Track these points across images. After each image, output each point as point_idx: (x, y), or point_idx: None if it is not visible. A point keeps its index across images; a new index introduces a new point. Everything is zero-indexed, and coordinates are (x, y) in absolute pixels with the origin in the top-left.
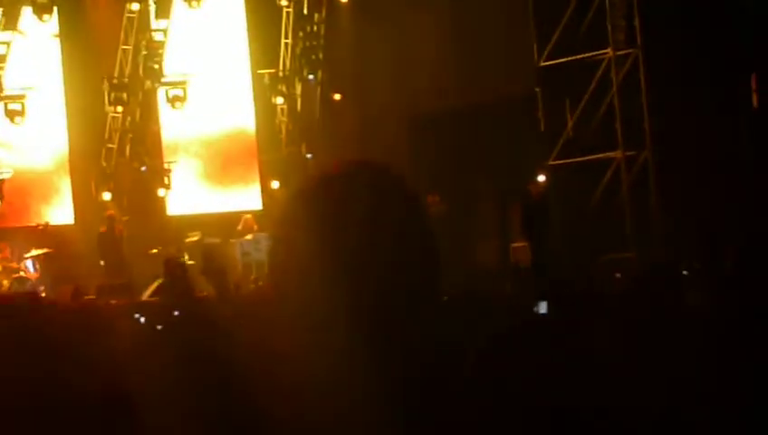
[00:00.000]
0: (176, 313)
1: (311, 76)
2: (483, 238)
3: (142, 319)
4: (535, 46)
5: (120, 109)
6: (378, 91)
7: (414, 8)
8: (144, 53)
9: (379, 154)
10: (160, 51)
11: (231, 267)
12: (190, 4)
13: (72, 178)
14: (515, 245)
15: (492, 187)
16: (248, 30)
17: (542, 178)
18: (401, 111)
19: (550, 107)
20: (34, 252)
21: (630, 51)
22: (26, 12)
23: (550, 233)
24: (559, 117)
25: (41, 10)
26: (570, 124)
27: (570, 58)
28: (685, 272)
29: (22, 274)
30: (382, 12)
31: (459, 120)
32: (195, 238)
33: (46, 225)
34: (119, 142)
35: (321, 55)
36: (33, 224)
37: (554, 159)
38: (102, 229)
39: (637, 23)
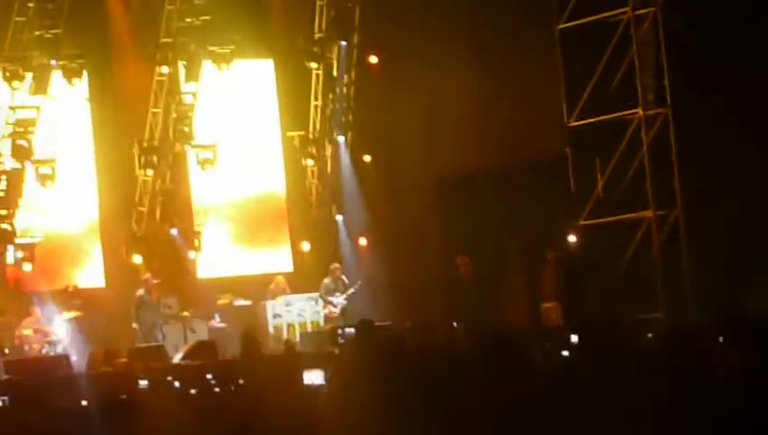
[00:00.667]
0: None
1: (340, 138)
2: (512, 298)
3: (176, 383)
4: (564, 106)
5: (150, 172)
6: (407, 152)
7: (443, 69)
8: (174, 115)
9: (408, 214)
10: (190, 114)
11: (263, 329)
12: (219, 67)
13: (102, 241)
14: (546, 305)
15: (522, 247)
16: (278, 92)
17: (572, 238)
18: (431, 171)
19: (580, 167)
20: (66, 315)
21: (660, 111)
22: (56, 76)
23: (581, 293)
24: (589, 176)
25: (70, 74)
26: (600, 184)
27: (599, 118)
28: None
29: (53, 337)
30: (411, 72)
31: (489, 180)
32: (226, 301)
33: (74, 288)
34: (149, 205)
35: (350, 117)
36: (62, 287)
37: (585, 219)
38: (139, 292)
39: (666, 82)
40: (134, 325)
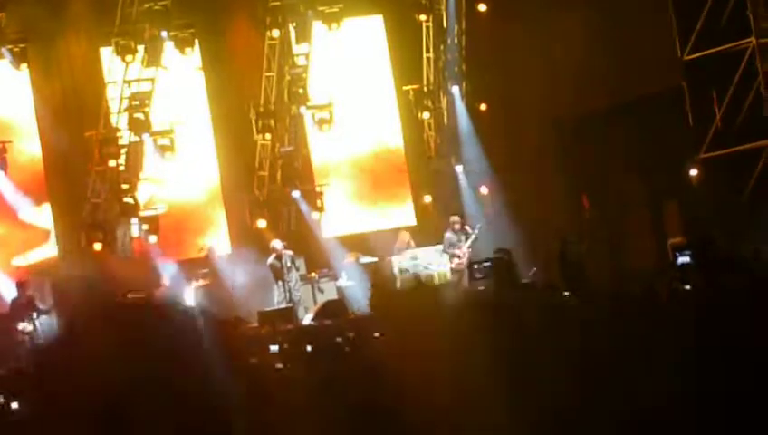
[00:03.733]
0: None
1: (455, 88)
2: (637, 238)
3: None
4: (677, 40)
5: (268, 136)
6: (523, 96)
7: (554, 8)
8: (288, 78)
9: (527, 158)
10: (304, 75)
11: (391, 283)
12: (329, 27)
13: (225, 208)
14: (673, 241)
15: (643, 185)
16: (389, 47)
17: (694, 172)
18: (547, 113)
19: (696, 100)
20: (194, 284)
21: None
22: (168, 47)
23: (706, 227)
24: (706, 109)
25: (182, 44)
26: (718, 116)
27: (713, 50)
28: None
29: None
30: (521, 17)
31: (606, 119)
32: (352, 259)
33: (208, 249)
34: (270, 169)
35: (463, 67)
36: (198, 252)
37: (705, 152)
38: (270, 259)
39: None
40: (275, 291)
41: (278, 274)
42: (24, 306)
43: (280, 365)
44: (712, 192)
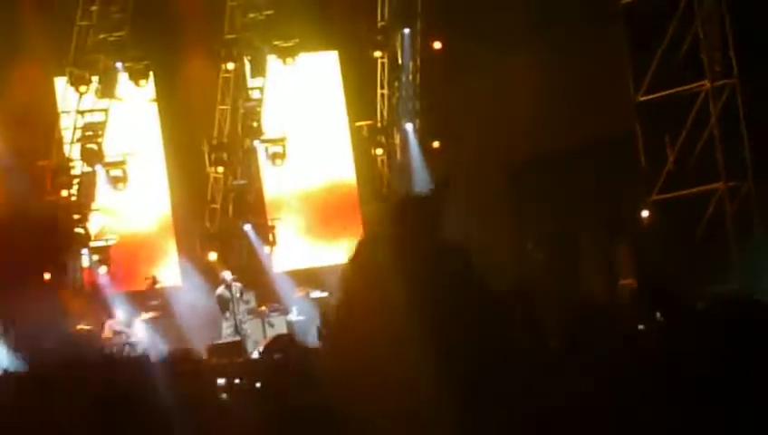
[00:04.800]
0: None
1: (408, 125)
2: (589, 281)
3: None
4: (631, 82)
5: (221, 169)
6: (476, 136)
7: (507, 51)
8: (242, 111)
9: (478, 199)
10: (258, 109)
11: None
12: (285, 62)
13: (176, 239)
14: (623, 282)
15: (596, 226)
16: (343, 83)
17: (645, 213)
18: (499, 154)
19: (649, 142)
20: (144, 316)
21: (727, 81)
22: (123, 78)
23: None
24: (659, 152)
25: (137, 75)
26: (671, 158)
27: (666, 92)
28: None
29: (132, 339)
30: (476, 56)
31: (558, 162)
32: (302, 293)
33: (154, 279)
34: (222, 202)
35: (417, 104)
36: (143, 280)
37: (657, 194)
38: (219, 290)
39: (732, 53)
40: (223, 323)
41: (226, 305)
42: None
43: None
44: (663, 234)
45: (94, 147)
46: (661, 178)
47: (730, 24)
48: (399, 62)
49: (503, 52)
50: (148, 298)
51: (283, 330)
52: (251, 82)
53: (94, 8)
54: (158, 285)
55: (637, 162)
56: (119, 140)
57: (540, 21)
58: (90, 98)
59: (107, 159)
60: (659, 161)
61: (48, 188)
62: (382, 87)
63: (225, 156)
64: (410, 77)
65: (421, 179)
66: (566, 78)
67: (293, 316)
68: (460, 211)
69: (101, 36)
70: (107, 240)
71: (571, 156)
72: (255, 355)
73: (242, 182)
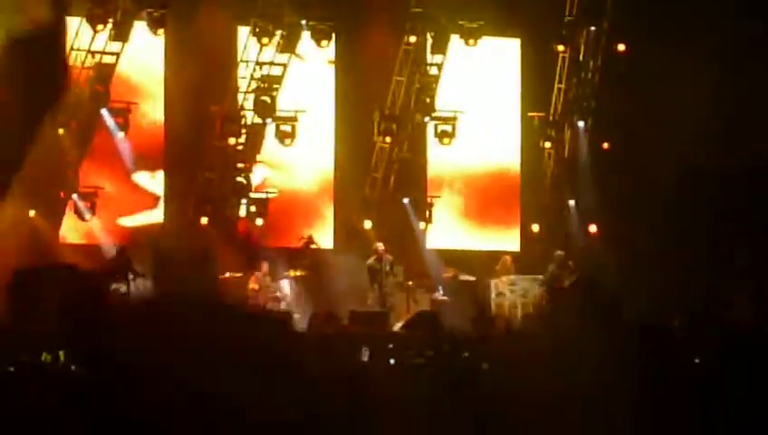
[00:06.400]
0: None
1: (580, 123)
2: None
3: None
4: None
5: (388, 139)
6: (647, 143)
7: (691, 61)
8: (417, 86)
9: (644, 207)
10: (433, 85)
11: (485, 307)
12: (467, 42)
13: (335, 203)
14: None
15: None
16: (522, 71)
17: None
18: (671, 164)
19: None
20: (292, 273)
21: None
22: (305, 36)
23: None
24: None
25: (319, 35)
26: None
27: None
28: None
29: (278, 294)
30: (658, 63)
31: (730, 179)
32: (450, 274)
33: (309, 238)
34: (384, 172)
35: (593, 103)
36: (298, 241)
37: None
38: (370, 261)
39: None
40: (369, 293)
41: (375, 276)
42: (120, 267)
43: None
44: None
45: (268, 99)
46: None
47: None
48: (581, 58)
49: (687, 60)
50: (299, 257)
51: (427, 307)
52: (430, 58)
53: None
54: (312, 246)
55: None
56: (292, 96)
57: (723, 34)
58: (270, 51)
59: (278, 114)
60: None
61: (217, 133)
62: (560, 81)
63: (393, 127)
64: (589, 75)
65: (586, 179)
66: (745, 96)
67: (439, 295)
68: (628, 215)
69: None
70: (267, 193)
71: (743, 174)
72: (396, 328)
73: (407, 155)
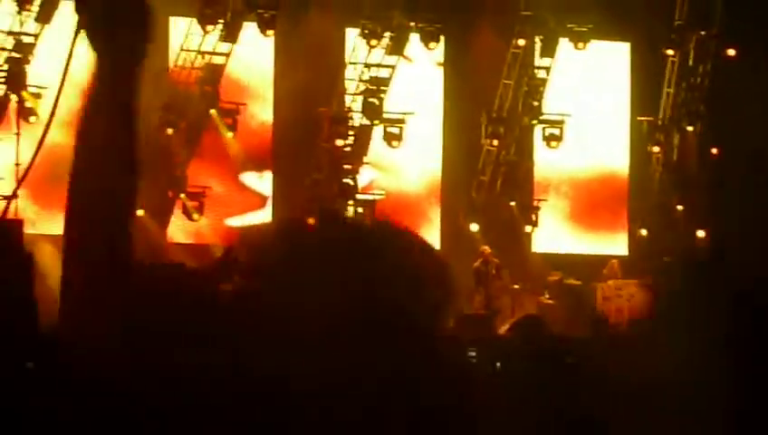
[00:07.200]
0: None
1: (689, 128)
2: None
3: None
4: None
5: (495, 142)
6: (758, 149)
7: None
8: (525, 89)
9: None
10: (541, 89)
11: (589, 311)
12: (576, 45)
13: (442, 206)
14: None
15: None
16: (631, 75)
17: None
18: None
19: None
20: None
21: None
22: (414, 38)
23: None
24: None
25: (428, 37)
26: None
27: None
28: None
29: None
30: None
31: None
32: (556, 278)
33: None
34: (491, 175)
35: (702, 108)
36: None
37: None
38: (476, 264)
39: None
40: (475, 296)
41: (480, 279)
42: (228, 267)
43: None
44: None
45: (376, 101)
46: None
47: None
48: (690, 63)
49: None
50: None
51: (533, 311)
52: (538, 62)
53: None
54: None
55: None
56: (400, 98)
57: None
58: (378, 53)
59: (386, 116)
60: None
61: (324, 134)
62: (669, 86)
63: (501, 130)
64: (699, 80)
65: (695, 184)
66: None
67: (544, 299)
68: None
69: None
70: (374, 195)
71: None
72: (501, 331)
73: (514, 158)
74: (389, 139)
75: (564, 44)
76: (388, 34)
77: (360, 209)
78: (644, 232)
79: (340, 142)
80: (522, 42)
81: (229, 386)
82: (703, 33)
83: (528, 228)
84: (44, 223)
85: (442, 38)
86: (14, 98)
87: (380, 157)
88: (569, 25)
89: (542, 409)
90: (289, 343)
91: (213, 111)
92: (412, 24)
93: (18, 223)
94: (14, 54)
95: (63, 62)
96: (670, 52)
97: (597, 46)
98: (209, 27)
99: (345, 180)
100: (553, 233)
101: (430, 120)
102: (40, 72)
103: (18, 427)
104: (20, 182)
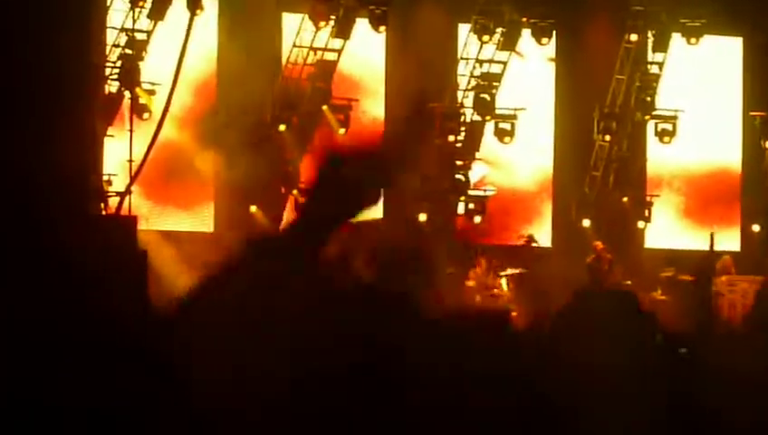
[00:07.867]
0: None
1: None
2: None
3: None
4: None
5: (607, 138)
6: None
7: None
8: (638, 84)
9: None
10: (654, 84)
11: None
12: (689, 41)
13: (553, 201)
14: None
15: None
16: (743, 70)
17: None
18: None
19: None
20: (510, 271)
21: None
22: (526, 34)
23: None
24: None
25: (540, 33)
26: None
27: None
28: None
29: (495, 291)
30: None
31: None
32: (669, 274)
33: (530, 237)
34: (603, 171)
35: None
36: (517, 239)
37: None
38: (589, 260)
39: None
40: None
41: (596, 275)
42: (344, 261)
43: None
44: None
45: (487, 97)
46: None
47: None
48: None
49: None
50: (516, 254)
51: (645, 307)
52: (651, 57)
53: None
54: (533, 244)
55: None
56: (511, 94)
57: None
58: (490, 49)
59: (498, 111)
60: None
61: (436, 131)
62: None
63: (613, 125)
64: None
65: None
66: None
67: (657, 295)
68: None
69: None
70: (485, 191)
71: None
72: None
73: (626, 154)
74: (501, 135)
75: (677, 40)
76: (500, 30)
77: (471, 205)
78: (756, 228)
79: (451, 138)
80: (634, 37)
81: None
82: None
83: (641, 224)
84: (157, 219)
85: (554, 33)
86: (127, 94)
87: (492, 153)
88: (681, 20)
89: (655, 399)
90: None
91: (325, 108)
92: (524, 19)
93: (133, 219)
94: (127, 51)
95: (176, 59)
96: None
97: (709, 41)
98: (321, 24)
99: (457, 176)
100: (666, 228)
101: (542, 116)
102: (153, 68)
103: None
104: (133, 178)
